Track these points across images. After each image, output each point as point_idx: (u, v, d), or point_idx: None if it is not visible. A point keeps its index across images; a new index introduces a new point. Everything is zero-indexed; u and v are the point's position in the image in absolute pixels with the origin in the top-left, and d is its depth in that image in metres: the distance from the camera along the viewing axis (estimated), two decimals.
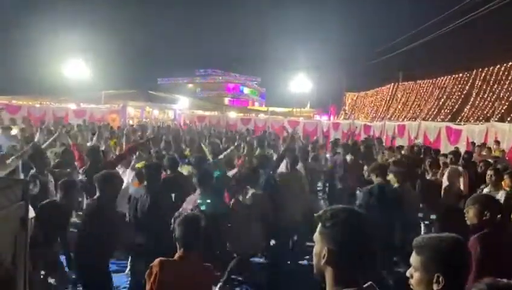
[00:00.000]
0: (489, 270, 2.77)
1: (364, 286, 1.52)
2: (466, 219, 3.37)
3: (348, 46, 44.76)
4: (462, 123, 19.42)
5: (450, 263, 1.78)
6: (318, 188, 10.20)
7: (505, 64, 22.78)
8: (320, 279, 1.57)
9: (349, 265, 1.53)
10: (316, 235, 1.61)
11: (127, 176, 6.37)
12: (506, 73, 22.71)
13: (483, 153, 11.18)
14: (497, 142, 13.23)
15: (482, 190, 5.87)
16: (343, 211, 1.59)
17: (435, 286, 1.77)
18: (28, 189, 1.26)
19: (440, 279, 1.76)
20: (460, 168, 7.55)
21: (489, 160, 8.76)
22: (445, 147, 14.81)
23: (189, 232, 3.10)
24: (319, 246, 1.59)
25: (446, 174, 6.99)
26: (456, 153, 8.79)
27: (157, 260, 3.01)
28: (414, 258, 1.84)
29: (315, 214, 1.63)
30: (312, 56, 43.57)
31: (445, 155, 8.85)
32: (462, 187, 7.19)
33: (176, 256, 3.07)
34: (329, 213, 1.58)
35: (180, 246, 3.09)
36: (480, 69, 24.58)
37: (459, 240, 1.87)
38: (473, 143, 13.53)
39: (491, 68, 23.77)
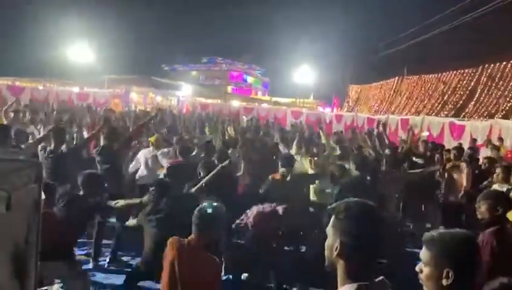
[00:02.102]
0: (503, 264, 2.80)
1: (376, 280, 1.51)
2: (477, 213, 3.40)
3: (353, 39, 44.51)
4: (466, 119, 19.36)
5: (460, 259, 1.77)
6: None
7: (511, 61, 22.64)
8: (332, 271, 1.57)
9: (361, 258, 1.53)
10: (329, 228, 1.60)
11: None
12: None
13: (489, 149, 11.13)
14: (501, 139, 13.17)
15: (486, 187, 5.85)
16: (357, 204, 1.58)
17: (444, 282, 1.77)
18: (41, 171, 1.24)
19: (450, 274, 1.75)
20: (463, 164, 7.53)
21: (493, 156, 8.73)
22: (449, 143, 14.76)
23: (204, 220, 3.11)
24: (331, 238, 1.58)
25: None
26: (459, 148, 8.74)
27: (174, 238, 3.11)
28: (424, 253, 1.83)
29: (329, 207, 1.62)
30: (317, 47, 43.33)
31: (449, 151, 8.81)
32: (465, 183, 7.19)
33: (189, 238, 3.12)
34: (343, 206, 1.58)
35: (194, 230, 3.12)
36: (486, 65, 24.44)
37: (470, 237, 1.86)
38: (475, 140, 13.48)
39: (497, 64, 23.63)
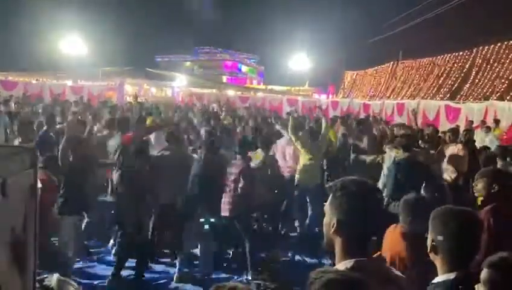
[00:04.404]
0: (501, 241, 2.82)
1: (373, 256, 1.53)
2: (474, 191, 3.41)
3: (348, 24, 44.17)
4: (461, 102, 19.38)
5: (444, 232, 1.85)
6: None
7: (506, 43, 22.61)
8: (329, 249, 1.58)
9: (358, 235, 1.54)
10: (326, 206, 1.61)
11: None
12: (507, 51, 22.56)
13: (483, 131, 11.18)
14: (497, 121, 13.21)
15: None
16: (353, 181, 1.58)
17: (430, 249, 1.91)
18: (36, 157, 1.24)
19: (434, 244, 1.87)
20: (460, 145, 7.53)
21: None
22: (444, 126, 14.79)
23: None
24: (328, 216, 1.59)
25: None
26: (455, 130, 8.74)
27: None
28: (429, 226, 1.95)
29: (326, 185, 1.63)
30: (311, 34, 43.10)
31: (444, 133, 8.81)
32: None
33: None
34: (339, 183, 1.58)
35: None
36: (481, 48, 24.40)
37: (463, 213, 1.89)
38: (471, 122, 13.52)
39: (492, 46, 23.59)
